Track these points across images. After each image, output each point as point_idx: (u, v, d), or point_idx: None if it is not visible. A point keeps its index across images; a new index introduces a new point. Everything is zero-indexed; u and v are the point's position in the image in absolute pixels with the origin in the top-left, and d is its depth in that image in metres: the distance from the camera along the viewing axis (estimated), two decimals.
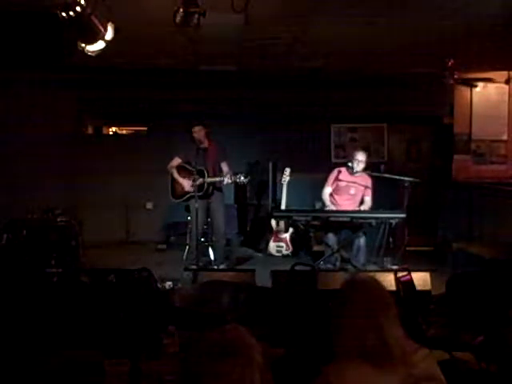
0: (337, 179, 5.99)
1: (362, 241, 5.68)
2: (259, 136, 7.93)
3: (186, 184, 5.87)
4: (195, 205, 5.65)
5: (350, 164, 5.90)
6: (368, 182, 5.96)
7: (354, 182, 5.92)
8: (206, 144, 5.87)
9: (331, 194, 6.05)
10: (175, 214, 7.07)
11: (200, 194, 5.73)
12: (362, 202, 6.01)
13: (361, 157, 5.86)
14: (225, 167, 5.94)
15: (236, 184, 5.98)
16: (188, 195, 5.88)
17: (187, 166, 5.93)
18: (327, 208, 5.94)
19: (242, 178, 5.70)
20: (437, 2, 4.54)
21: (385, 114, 8.16)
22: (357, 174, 5.90)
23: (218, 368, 1.40)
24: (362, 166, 5.85)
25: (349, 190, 5.95)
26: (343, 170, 6.00)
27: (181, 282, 4.58)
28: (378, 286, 1.88)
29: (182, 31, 4.34)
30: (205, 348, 1.46)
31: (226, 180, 5.77)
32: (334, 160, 8.11)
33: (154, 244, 7.63)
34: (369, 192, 5.96)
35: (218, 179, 5.85)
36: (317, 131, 8.20)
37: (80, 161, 7.75)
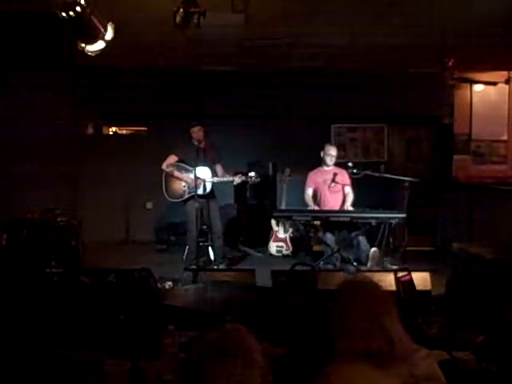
0: (314, 180, 6.07)
1: (361, 239, 5.68)
2: (259, 136, 7.93)
3: (190, 180, 5.75)
4: (195, 205, 5.63)
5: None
6: (343, 172, 6.01)
7: (330, 175, 6.00)
8: (204, 144, 5.85)
9: (316, 196, 6.09)
10: (175, 214, 7.06)
11: (202, 193, 5.72)
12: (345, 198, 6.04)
13: (333, 151, 5.97)
14: (219, 169, 5.94)
15: (236, 184, 5.97)
16: (188, 195, 5.83)
17: (185, 165, 5.90)
18: (324, 207, 5.96)
19: (254, 178, 5.76)
20: (437, 2, 4.55)
21: (385, 114, 8.16)
22: (329, 168, 6.00)
23: (218, 368, 1.40)
24: (333, 160, 5.97)
25: (328, 185, 6.01)
26: (314, 171, 6.12)
27: (181, 281, 4.58)
28: (377, 286, 1.89)
29: (182, 31, 4.34)
30: (205, 348, 1.46)
31: (237, 180, 5.80)
32: None
33: (153, 244, 7.64)
34: (346, 181, 6.00)
35: (226, 179, 5.85)
36: (317, 131, 8.19)
37: (80, 161, 7.76)
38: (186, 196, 5.84)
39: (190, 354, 1.53)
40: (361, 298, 1.78)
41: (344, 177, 6.00)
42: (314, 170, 6.16)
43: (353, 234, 5.72)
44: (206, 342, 1.47)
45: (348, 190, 6.01)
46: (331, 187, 6.01)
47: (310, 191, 6.07)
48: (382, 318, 1.72)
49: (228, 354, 1.42)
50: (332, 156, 5.96)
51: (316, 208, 5.97)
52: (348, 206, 5.93)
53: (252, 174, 5.82)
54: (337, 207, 5.98)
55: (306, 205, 6.08)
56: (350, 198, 5.98)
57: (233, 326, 1.55)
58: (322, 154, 6.05)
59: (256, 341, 1.50)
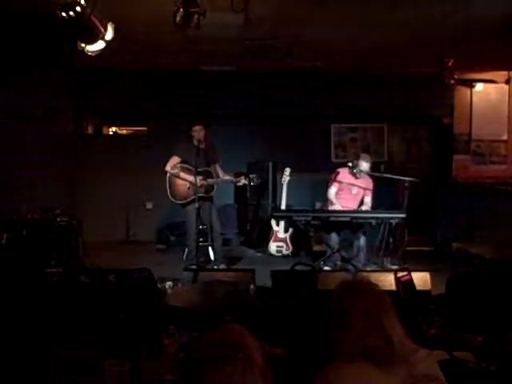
0: (340, 180, 6.00)
1: (362, 241, 5.68)
2: (259, 136, 7.93)
3: (198, 180, 5.68)
4: (195, 205, 5.63)
5: (350, 165, 5.88)
6: (370, 184, 5.98)
7: (356, 184, 5.94)
8: (204, 144, 5.83)
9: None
10: (175, 214, 7.06)
11: (204, 195, 5.74)
12: (361, 202, 6.01)
13: (365, 167, 5.83)
14: (219, 169, 5.94)
15: (236, 184, 6.00)
16: (194, 196, 5.71)
17: (188, 166, 5.89)
18: (334, 208, 5.91)
19: (255, 179, 5.85)
20: (437, 2, 4.55)
21: (385, 114, 8.16)
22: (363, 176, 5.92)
23: (217, 368, 1.40)
24: (365, 172, 5.87)
25: (351, 190, 5.96)
26: (345, 170, 5.98)
27: (181, 282, 4.58)
28: (376, 286, 1.89)
29: (182, 31, 4.34)
30: (205, 349, 1.46)
31: (243, 181, 5.86)
32: (333, 160, 8.10)
33: (153, 244, 7.64)
34: (369, 193, 5.97)
35: (229, 179, 5.88)
36: (317, 131, 8.20)
37: (80, 161, 7.76)
38: (191, 197, 5.79)
39: (190, 354, 1.52)
40: (359, 299, 1.78)
41: (368, 185, 5.95)
42: (343, 170, 6.00)
43: (354, 236, 5.71)
44: (206, 342, 1.47)
45: (367, 199, 5.95)
46: (353, 193, 5.96)
47: (334, 190, 5.99)
48: (381, 318, 1.72)
49: (228, 354, 1.42)
50: (362, 170, 5.81)
51: (338, 207, 5.91)
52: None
53: (253, 175, 5.88)
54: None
55: (330, 202, 5.98)
56: (368, 206, 5.93)
57: (232, 326, 1.55)
58: (354, 163, 5.87)
59: (256, 341, 1.50)
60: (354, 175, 5.90)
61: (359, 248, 5.68)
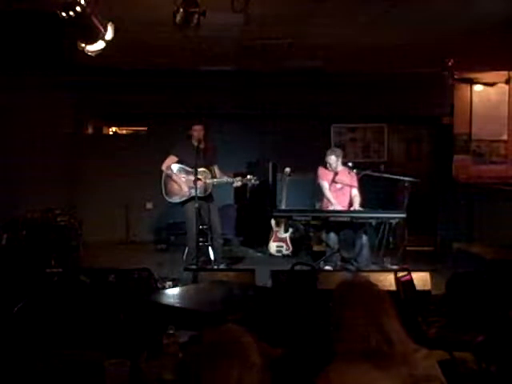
0: (323, 178, 6.03)
1: (364, 240, 5.67)
2: (259, 136, 7.93)
3: (187, 188, 5.78)
4: (195, 205, 5.63)
5: (327, 164, 5.93)
6: (351, 175, 5.97)
7: (338, 177, 5.96)
8: (203, 144, 5.84)
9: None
10: (175, 214, 7.07)
11: (202, 195, 5.72)
12: (351, 200, 6.01)
13: (332, 159, 5.89)
14: (217, 170, 5.94)
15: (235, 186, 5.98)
16: (188, 196, 5.80)
17: (184, 167, 5.89)
18: (332, 205, 5.91)
19: (253, 180, 5.78)
20: (437, 2, 4.54)
21: (385, 114, 8.16)
22: (338, 169, 5.95)
23: (215, 369, 1.40)
24: (337, 164, 5.91)
25: (335, 184, 5.99)
26: (323, 168, 6.04)
27: (181, 281, 4.58)
28: (375, 286, 1.89)
29: (182, 31, 4.34)
30: (201, 349, 1.46)
31: (236, 183, 5.79)
32: None
33: (153, 244, 7.64)
34: (354, 187, 5.98)
35: (226, 180, 5.85)
36: (317, 131, 8.20)
37: (80, 161, 7.76)
38: (185, 198, 5.82)
39: (187, 354, 1.52)
40: (358, 298, 1.78)
41: (351, 178, 5.97)
42: (323, 168, 6.05)
43: (356, 235, 5.71)
44: (202, 343, 1.48)
45: (355, 192, 5.97)
46: (337, 188, 5.98)
47: (326, 184, 5.98)
48: (380, 318, 1.72)
49: (225, 354, 1.42)
50: (331, 163, 5.89)
51: (334, 203, 5.91)
52: (356, 208, 5.90)
53: (250, 176, 5.83)
54: (344, 207, 5.95)
55: (327, 199, 5.99)
56: (357, 199, 5.94)
57: (229, 326, 1.55)
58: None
59: (253, 340, 1.50)
60: (333, 171, 5.92)
61: (362, 247, 5.67)
